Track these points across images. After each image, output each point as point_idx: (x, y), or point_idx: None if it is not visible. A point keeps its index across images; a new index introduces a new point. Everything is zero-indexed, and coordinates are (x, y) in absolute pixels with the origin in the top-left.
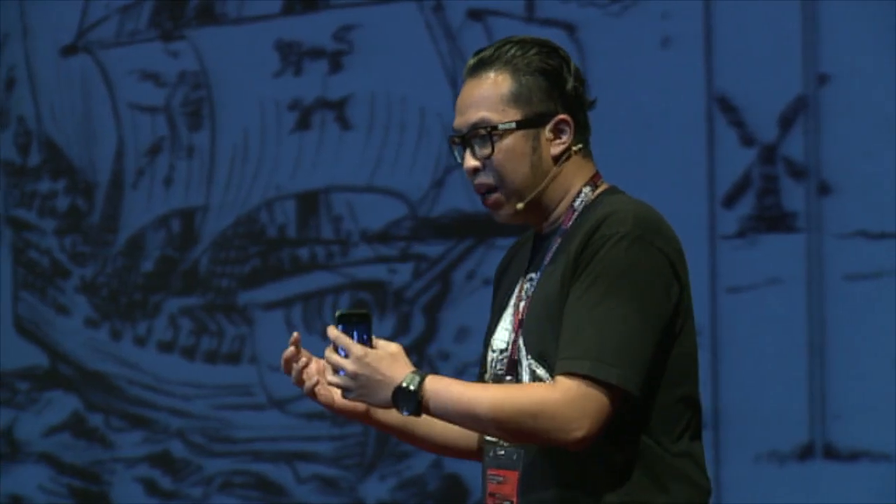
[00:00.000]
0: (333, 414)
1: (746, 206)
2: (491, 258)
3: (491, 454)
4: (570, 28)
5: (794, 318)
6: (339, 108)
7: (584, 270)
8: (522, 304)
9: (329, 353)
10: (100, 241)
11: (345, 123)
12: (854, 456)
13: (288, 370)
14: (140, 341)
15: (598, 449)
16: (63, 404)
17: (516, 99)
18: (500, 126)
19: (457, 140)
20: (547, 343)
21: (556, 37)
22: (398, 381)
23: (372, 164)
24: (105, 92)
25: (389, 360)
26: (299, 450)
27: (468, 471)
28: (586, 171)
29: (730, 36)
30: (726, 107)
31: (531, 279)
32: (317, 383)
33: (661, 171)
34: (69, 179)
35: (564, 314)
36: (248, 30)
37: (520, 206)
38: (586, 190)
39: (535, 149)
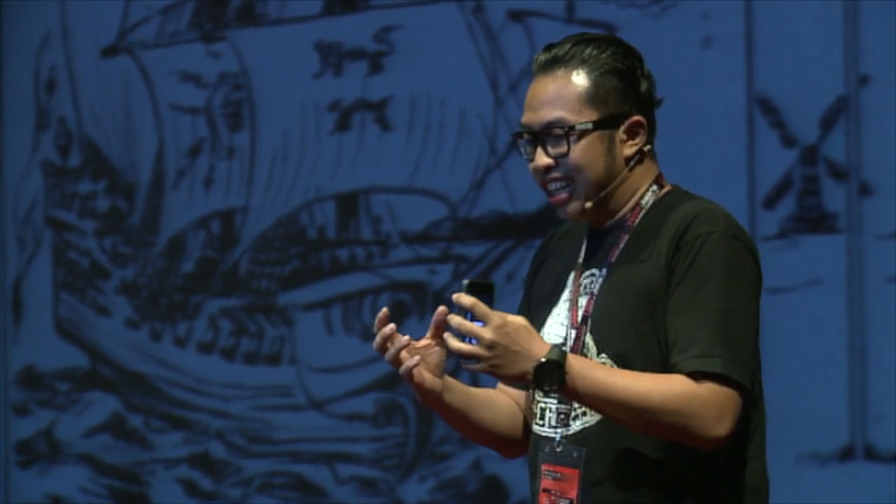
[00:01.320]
0: (418, 397)
1: (787, 207)
2: (530, 259)
3: (547, 449)
4: (610, 29)
5: (834, 319)
6: (378, 109)
7: (688, 270)
8: (584, 299)
9: (459, 320)
10: (140, 241)
11: (385, 124)
12: (895, 457)
13: (383, 348)
14: (180, 342)
15: (666, 451)
16: (103, 405)
17: (593, 99)
18: (578, 126)
19: (526, 136)
20: (627, 343)
21: None
22: (539, 355)
23: (412, 165)
24: (145, 93)
25: (526, 332)
26: (338, 451)
27: (508, 472)
28: (652, 171)
29: (771, 36)
30: (767, 107)
31: (592, 275)
32: (417, 364)
33: (702, 172)
34: (109, 180)
35: (674, 312)
36: (289, 30)
37: (588, 204)
38: (653, 188)
39: (610, 150)
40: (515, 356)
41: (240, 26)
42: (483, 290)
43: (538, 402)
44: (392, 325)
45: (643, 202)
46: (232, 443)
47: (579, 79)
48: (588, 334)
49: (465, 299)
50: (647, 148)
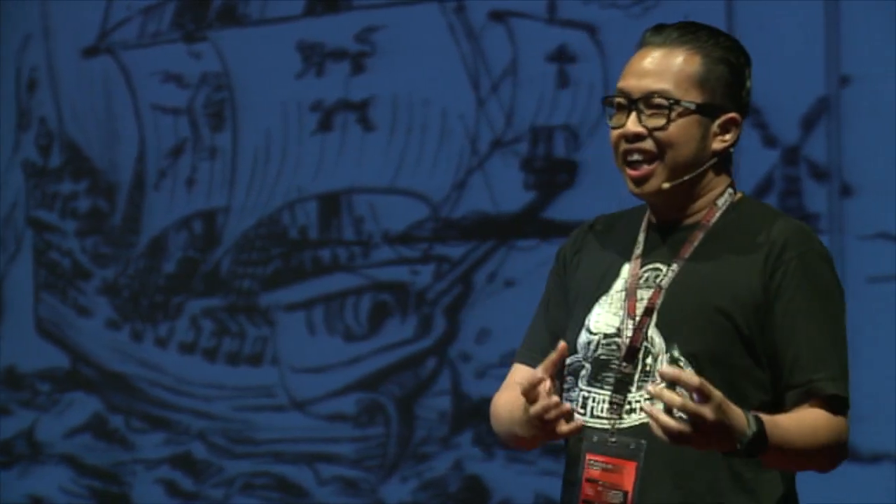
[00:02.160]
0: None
1: None
2: (512, 260)
3: (595, 439)
4: (591, 29)
5: None
6: (360, 109)
7: (799, 288)
8: (645, 291)
9: (682, 401)
10: (121, 242)
11: (367, 125)
12: (875, 458)
13: (533, 397)
14: (161, 343)
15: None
16: (84, 406)
17: (702, 83)
18: (683, 102)
19: (621, 101)
20: (702, 342)
21: (578, 38)
22: (742, 428)
23: (394, 165)
24: (127, 93)
25: (728, 403)
26: (320, 451)
27: (489, 472)
28: (728, 175)
29: (752, 37)
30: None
31: (656, 268)
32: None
33: None
34: (91, 180)
35: (790, 329)
36: (271, 31)
37: (666, 185)
38: (730, 191)
39: (704, 137)
40: (726, 431)
41: (221, 26)
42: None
43: (581, 390)
44: (548, 384)
45: (719, 202)
46: (214, 443)
47: (693, 60)
48: (653, 327)
49: (691, 378)
50: (731, 150)
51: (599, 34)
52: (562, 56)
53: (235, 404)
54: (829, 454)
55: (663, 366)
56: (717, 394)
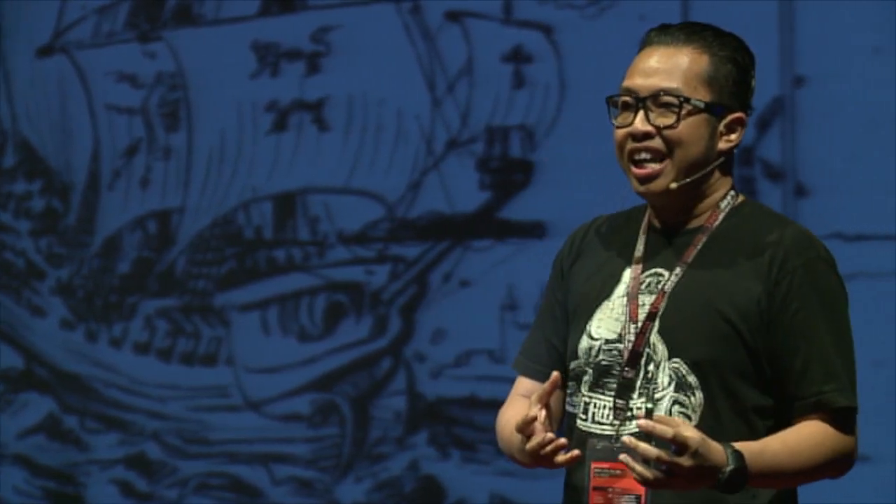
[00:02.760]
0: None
1: None
2: (468, 260)
3: (599, 446)
4: (547, 30)
5: None
6: (316, 109)
7: (806, 296)
8: (647, 297)
9: (658, 452)
10: (76, 242)
11: (322, 125)
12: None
13: (528, 433)
14: (116, 343)
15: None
16: (38, 406)
17: (711, 82)
18: (693, 101)
19: (628, 100)
20: (705, 350)
21: (534, 38)
22: (720, 462)
23: (349, 165)
24: (81, 93)
25: (707, 445)
26: (275, 451)
27: (444, 472)
28: (730, 177)
29: None
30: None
31: (657, 273)
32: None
33: None
34: (45, 180)
35: (797, 337)
36: (225, 31)
37: (674, 185)
38: (731, 193)
39: (711, 136)
40: (706, 472)
41: (176, 26)
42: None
43: (583, 396)
44: (544, 418)
45: (721, 205)
46: (168, 443)
47: (700, 59)
48: (655, 333)
49: (664, 431)
50: (735, 150)
51: (555, 34)
52: (518, 56)
53: (190, 404)
54: (830, 469)
55: (641, 419)
56: (694, 441)
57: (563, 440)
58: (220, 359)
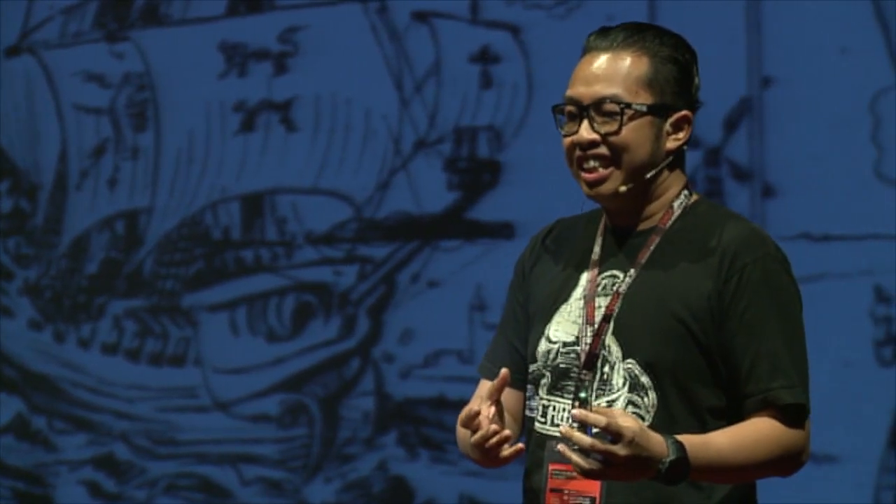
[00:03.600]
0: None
1: None
2: (435, 260)
3: (557, 447)
4: (514, 30)
5: None
6: (283, 109)
7: (754, 294)
8: (603, 299)
9: (591, 441)
10: (43, 242)
11: (290, 125)
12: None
13: (474, 427)
14: (84, 343)
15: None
16: (6, 406)
17: (651, 84)
18: (634, 106)
19: (572, 110)
20: (658, 351)
21: (501, 39)
22: (661, 454)
23: (317, 165)
24: (49, 93)
25: (645, 433)
26: (244, 452)
27: (413, 472)
28: (683, 175)
29: None
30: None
31: (613, 275)
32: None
33: None
34: (12, 181)
35: (746, 336)
36: (193, 31)
37: (623, 188)
38: (685, 193)
39: (657, 137)
40: (643, 463)
41: (144, 26)
42: (584, 404)
43: (541, 399)
44: (493, 411)
45: (675, 205)
46: (136, 444)
47: (640, 62)
48: (610, 335)
49: (597, 419)
50: (684, 148)
51: (522, 34)
52: (485, 56)
53: (158, 405)
54: (779, 464)
55: (575, 409)
56: (630, 430)
57: (507, 432)
58: (188, 359)
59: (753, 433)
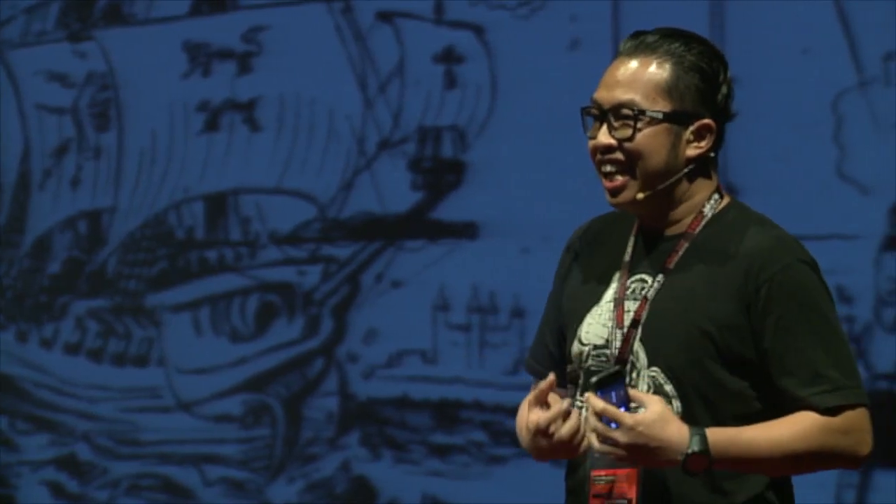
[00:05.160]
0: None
1: None
2: (399, 260)
3: (597, 455)
4: (478, 30)
5: None
6: (247, 109)
7: (785, 302)
8: (631, 303)
9: (595, 422)
10: (6, 242)
11: (253, 125)
12: None
13: (545, 432)
14: (46, 343)
15: None
16: None
17: (670, 91)
18: (648, 113)
19: (594, 112)
20: (681, 358)
21: (465, 39)
22: (681, 446)
23: (281, 165)
24: (11, 93)
25: (661, 423)
26: (207, 452)
27: (376, 472)
28: (714, 180)
29: None
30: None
31: (642, 279)
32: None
33: (569, 174)
34: None
35: (781, 345)
36: (156, 31)
37: (640, 195)
38: (715, 196)
39: (675, 145)
40: (655, 452)
41: (107, 26)
42: (613, 380)
43: (576, 400)
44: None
45: (705, 210)
46: (99, 445)
47: (662, 69)
48: (638, 341)
49: (595, 403)
50: (711, 155)
51: (487, 35)
52: (449, 57)
53: (121, 405)
54: (831, 459)
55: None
56: (629, 418)
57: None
58: (151, 359)
59: (792, 427)
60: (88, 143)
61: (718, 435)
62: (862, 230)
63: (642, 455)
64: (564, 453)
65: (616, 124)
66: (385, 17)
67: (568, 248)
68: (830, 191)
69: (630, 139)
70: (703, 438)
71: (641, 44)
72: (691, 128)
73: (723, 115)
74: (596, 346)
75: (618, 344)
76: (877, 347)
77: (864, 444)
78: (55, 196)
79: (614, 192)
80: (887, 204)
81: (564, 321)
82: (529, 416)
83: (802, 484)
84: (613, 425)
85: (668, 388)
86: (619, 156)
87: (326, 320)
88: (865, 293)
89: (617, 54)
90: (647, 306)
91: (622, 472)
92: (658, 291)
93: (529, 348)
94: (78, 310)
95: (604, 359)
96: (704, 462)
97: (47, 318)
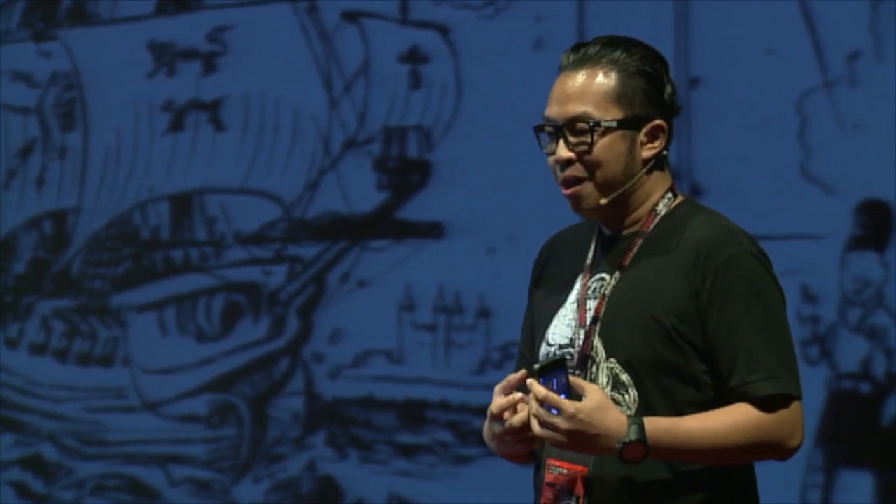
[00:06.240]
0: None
1: None
2: (365, 260)
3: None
4: (443, 30)
5: None
6: (212, 109)
7: (728, 291)
8: (592, 302)
9: (537, 409)
10: None
11: (218, 125)
12: None
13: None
14: (11, 343)
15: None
16: None
17: (620, 99)
18: (603, 123)
19: (549, 129)
20: (637, 349)
21: (430, 39)
22: (619, 434)
23: (246, 165)
24: None
25: (600, 412)
26: (172, 452)
27: (342, 472)
28: (667, 178)
29: None
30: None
31: (602, 278)
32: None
33: (534, 174)
34: None
35: (723, 333)
36: (121, 30)
37: (603, 201)
38: (668, 196)
39: (631, 150)
40: (594, 439)
41: (71, 25)
42: (556, 368)
43: None
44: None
45: (658, 209)
46: (64, 445)
47: (608, 78)
48: (597, 336)
49: (537, 390)
50: (664, 153)
51: (452, 34)
52: (414, 56)
53: (86, 405)
54: (763, 449)
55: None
56: (569, 406)
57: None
58: (116, 359)
59: (726, 418)
60: (53, 143)
61: (656, 425)
62: (827, 230)
63: (581, 442)
64: (519, 447)
65: (572, 139)
66: (350, 16)
67: (537, 261)
68: (795, 191)
69: (588, 151)
70: (641, 428)
71: (584, 56)
72: (644, 130)
73: (670, 112)
74: (561, 346)
75: (580, 342)
76: (842, 347)
77: (795, 436)
78: (20, 196)
79: (577, 201)
80: (852, 204)
81: (535, 330)
82: (492, 404)
83: (768, 484)
84: (555, 411)
85: (625, 377)
86: (578, 168)
87: (292, 320)
88: (831, 293)
89: (560, 69)
90: (605, 303)
91: (575, 469)
92: (615, 288)
93: (518, 354)
94: (43, 310)
95: (568, 357)
96: (641, 451)
97: (12, 318)
